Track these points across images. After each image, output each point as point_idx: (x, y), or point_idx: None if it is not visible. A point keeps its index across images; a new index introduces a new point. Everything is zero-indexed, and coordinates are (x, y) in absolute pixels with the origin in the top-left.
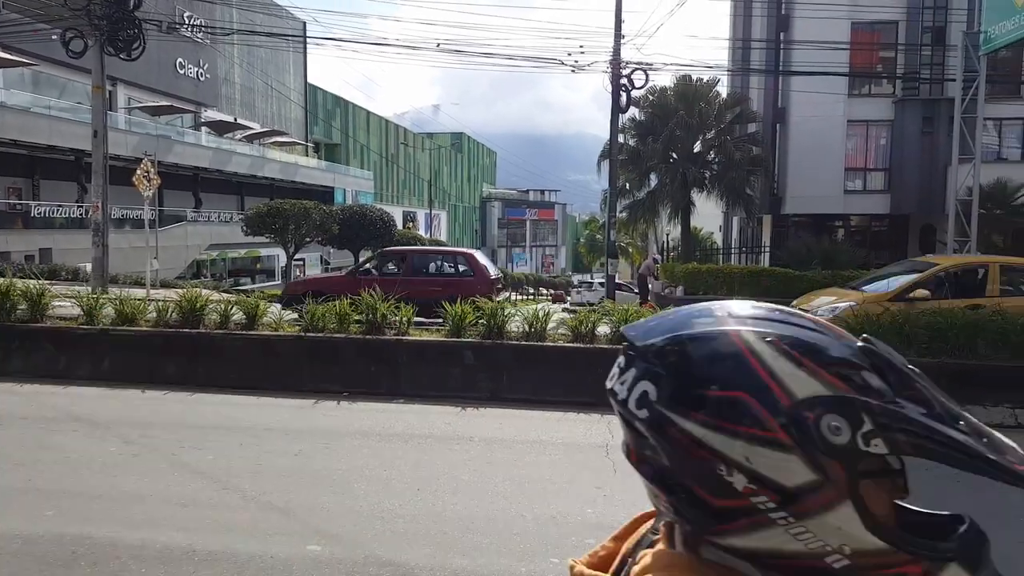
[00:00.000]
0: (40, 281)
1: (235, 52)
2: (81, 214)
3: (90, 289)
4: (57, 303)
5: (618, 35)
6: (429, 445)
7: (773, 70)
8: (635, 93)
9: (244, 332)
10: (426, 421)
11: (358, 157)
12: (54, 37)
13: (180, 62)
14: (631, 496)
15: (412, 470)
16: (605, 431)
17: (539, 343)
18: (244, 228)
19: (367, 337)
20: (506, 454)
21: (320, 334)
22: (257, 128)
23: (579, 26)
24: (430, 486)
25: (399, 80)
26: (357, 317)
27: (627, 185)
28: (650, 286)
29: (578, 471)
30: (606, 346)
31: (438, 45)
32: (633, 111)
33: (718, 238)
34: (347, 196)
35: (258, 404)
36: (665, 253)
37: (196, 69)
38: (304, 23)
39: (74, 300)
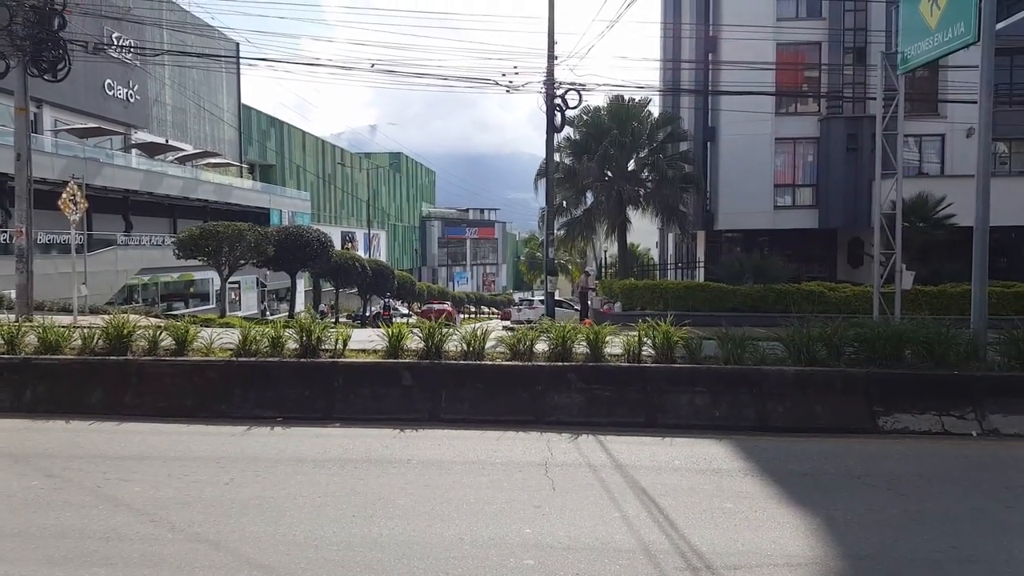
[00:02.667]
0: None
1: (166, 73)
2: (4, 240)
3: (13, 317)
4: None
5: (551, 56)
6: (365, 470)
7: (702, 90)
8: (569, 113)
9: (173, 358)
10: (363, 445)
11: (294, 178)
12: None
13: (109, 83)
14: (569, 513)
15: (347, 496)
16: (544, 448)
17: (477, 362)
18: (176, 251)
19: (302, 360)
20: (444, 476)
21: (252, 358)
22: (190, 149)
23: (513, 47)
24: (365, 512)
25: (335, 101)
26: (292, 339)
27: (564, 203)
28: (589, 302)
29: (517, 490)
30: (543, 363)
31: (372, 65)
32: (568, 130)
33: (655, 254)
34: (284, 217)
35: (188, 432)
36: (603, 269)
37: (126, 90)
38: (237, 44)
39: None
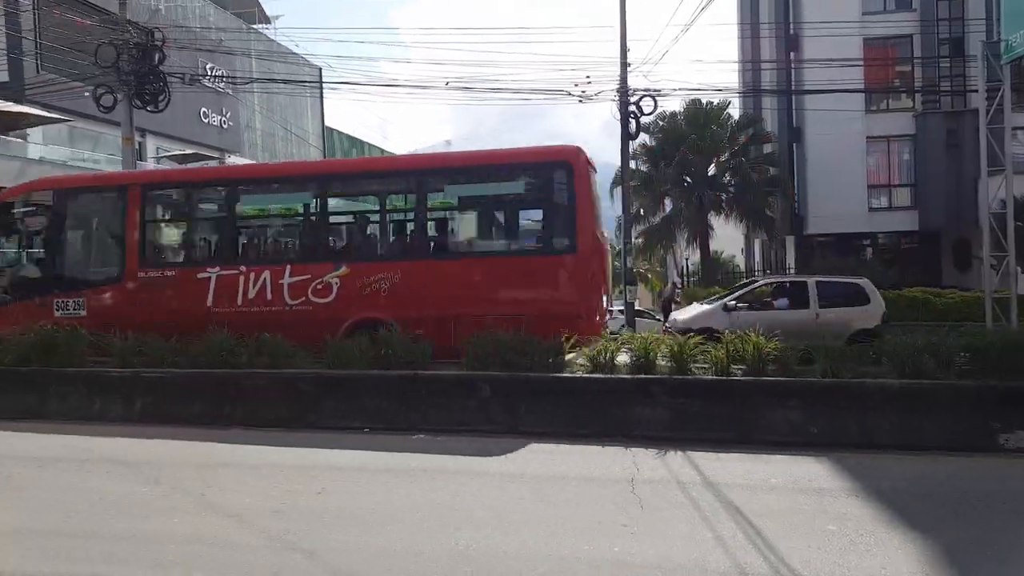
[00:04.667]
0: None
1: (256, 100)
2: None
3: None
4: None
5: (624, 63)
6: (447, 480)
7: (785, 90)
8: (644, 119)
9: (269, 370)
10: (446, 455)
11: None
12: (86, 94)
13: (204, 111)
14: (659, 532)
15: (430, 506)
16: (629, 464)
17: (556, 374)
18: None
19: (385, 372)
20: (526, 490)
21: (340, 371)
22: None
23: (585, 57)
24: (447, 522)
25: (412, 119)
26: (374, 352)
27: (641, 211)
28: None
29: (602, 507)
30: (626, 376)
31: (447, 83)
32: (644, 137)
33: (740, 261)
34: None
35: (280, 441)
36: (685, 278)
37: (219, 118)
38: (320, 69)
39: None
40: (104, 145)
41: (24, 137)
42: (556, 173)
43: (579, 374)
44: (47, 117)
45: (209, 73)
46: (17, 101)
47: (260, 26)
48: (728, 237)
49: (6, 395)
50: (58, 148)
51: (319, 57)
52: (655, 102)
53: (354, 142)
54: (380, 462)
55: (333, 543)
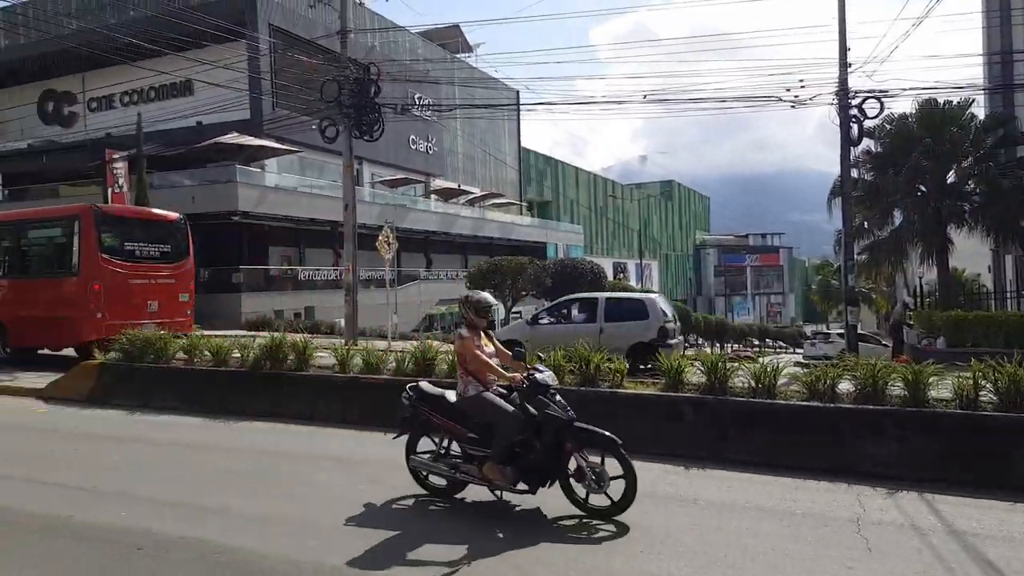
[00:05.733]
0: (304, 335)
1: (458, 125)
2: (336, 276)
3: (343, 341)
4: (318, 354)
5: (843, 63)
6: (649, 504)
7: None
8: (868, 123)
9: None
10: (645, 478)
11: (568, 212)
12: (313, 127)
13: (412, 138)
14: None
15: (633, 528)
16: (853, 503)
17: (768, 400)
18: (468, 284)
19: (581, 389)
20: (736, 521)
21: None
22: (477, 192)
23: (796, 60)
24: (652, 547)
25: (605, 136)
26: (571, 368)
27: (865, 224)
28: (903, 337)
29: (823, 546)
30: (849, 406)
31: (645, 97)
32: (867, 143)
33: (987, 280)
34: (559, 250)
35: None
36: (919, 299)
37: (425, 144)
38: (517, 92)
39: (330, 351)
40: (328, 173)
41: (262, 167)
42: (70, 223)
43: (793, 401)
44: (281, 149)
45: (417, 102)
46: (256, 136)
47: (463, 55)
48: (971, 252)
49: (248, 394)
50: (289, 176)
51: (517, 80)
52: (881, 104)
53: (548, 161)
54: None
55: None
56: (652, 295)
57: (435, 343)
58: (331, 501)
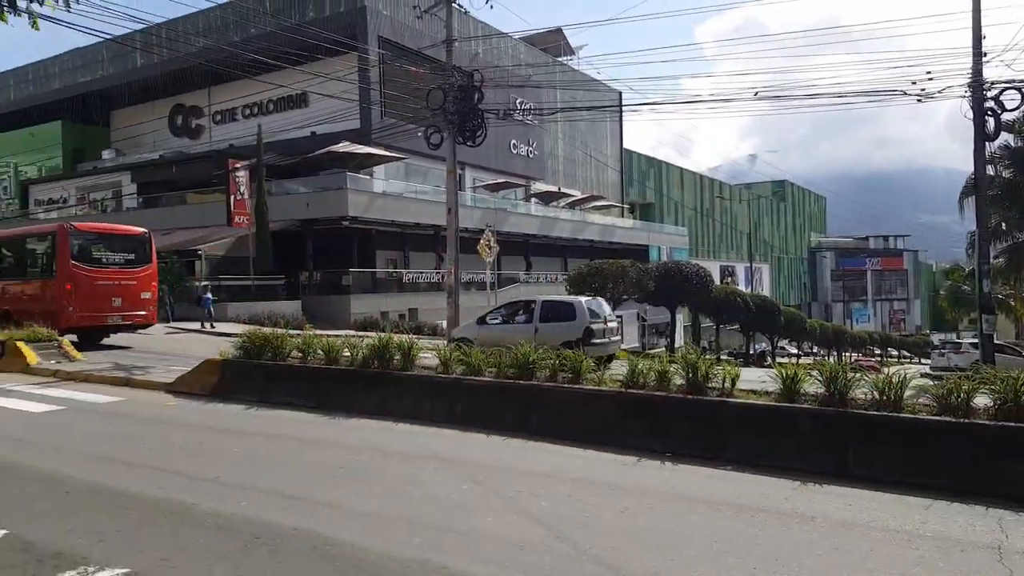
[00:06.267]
0: (410, 336)
1: (559, 128)
2: (438, 279)
3: (445, 343)
4: (422, 355)
5: (978, 52)
6: (764, 520)
7: None
8: (1007, 116)
9: (570, 386)
10: (758, 492)
11: (672, 214)
12: (419, 134)
13: (513, 143)
14: None
15: (746, 544)
16: (993, 528)
17: (893, 414)
18: (568, 287)
19: (688, 396)
20: (858, 542)
21: (640, 391)
22: (578, 195)
23: (923, 51)
24: (766, 565)
25: (711, 135)
26: (678, 375)
27: (1002, 225)
28: None
29: (957, 574)
30: (987, 422)
31: (756, 94)
32: (1005, 137)
33: None
34: (662, 253)
35: (583, 457)
36: None
37: (526, 148)
38: (620, 93)
39: (434, 352)
40: (432, 178)
41: (371, 174)
42: (51, 238)
43: (922, 415)
44: (388, 156)
45: (518, 107)
46: (365, 144)
47: (565, 58)
48: None
49: (357, 392)
50: (396, 182)
51: (620, 81)
52: (1022, 95)
53: (651, 162)
54: (687, 490)
55: (635, 563)
56: (582, 299)
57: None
58: (434, 500)
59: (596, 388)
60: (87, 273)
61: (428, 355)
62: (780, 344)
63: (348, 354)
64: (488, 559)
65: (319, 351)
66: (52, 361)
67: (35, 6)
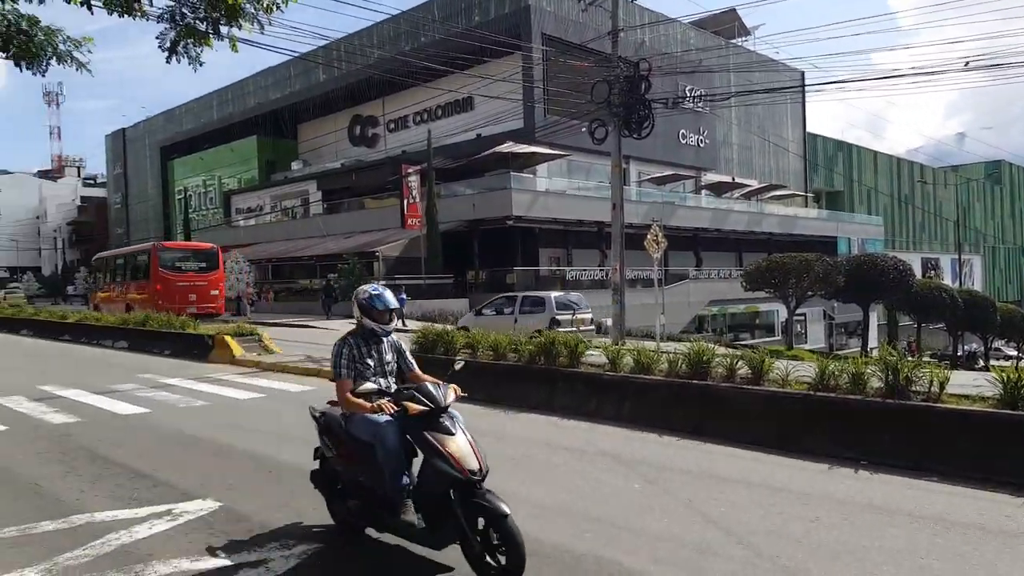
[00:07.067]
0: (576, 331)
1: (732, 114)
2: (602, 276)
3: (611, 341)
4: (589, 352)
5: None
6: (980, 538)
7: None
8: None
9: (749, 387)
10: (971, 508)
11: (864, 202)
12: (583, 129)
13: (682, 133)
14: None
15: (958, 567)
16: None
17: None
18: (744, 284)
19: (887, 401)
20: None
21: (831, 394)
22: (754, 185)
23: None
24: None
25: (909, 113)
26: (875, 377)
27: None
28: None
29: None
30: None
31: (966, 64)
32: None
33: None
34: (852, 245)
35: (765, 461)
36: None
37: (696, 137)
38: (802, 73)
39: (601, 350)
40: (594, 174)
41: (534, 172)
42: (147, 254)
43: None
44: (551, 154)
45: (688, 95)
46: (529, 143)
47: (739, 40)
48: None
49: (525, 387)
50: (558, 179)
51: (803, 60)
52: None
53: (840, 145)
54: (885, 501)
55: (824, 574)
56: (553, 293)
57: (709, 345)
58: (607, 497)
59: (779, 390)
60: (170, 277)
61: (594, 353)
62: (995, 345)
63: (515, 351)
64: (663, 559)
65: (488, 348)
66: (254, 353)
67: (235, 31)
